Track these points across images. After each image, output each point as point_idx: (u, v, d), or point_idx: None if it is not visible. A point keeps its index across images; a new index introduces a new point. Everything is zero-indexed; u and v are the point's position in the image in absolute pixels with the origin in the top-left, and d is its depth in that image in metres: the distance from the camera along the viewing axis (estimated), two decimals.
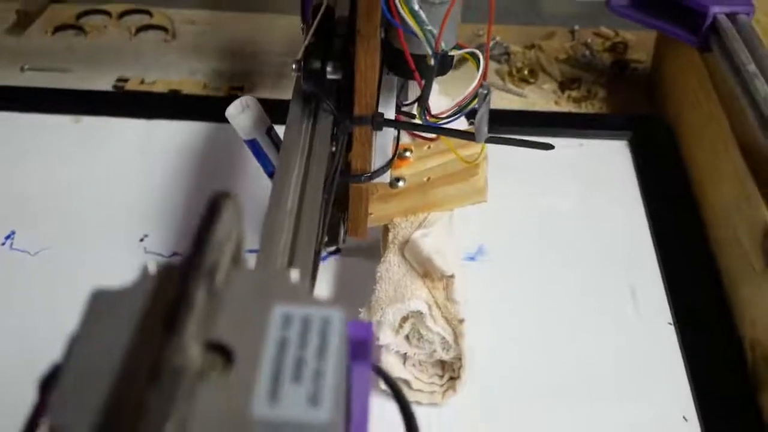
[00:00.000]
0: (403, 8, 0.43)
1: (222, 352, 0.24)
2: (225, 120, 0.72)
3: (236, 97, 0.77)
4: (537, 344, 0.55)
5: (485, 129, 0.47)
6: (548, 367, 0.54)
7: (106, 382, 0.23)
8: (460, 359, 0.49)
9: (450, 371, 0.50)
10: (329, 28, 0.49)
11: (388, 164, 0.53)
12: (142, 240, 0.62)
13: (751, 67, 0.58)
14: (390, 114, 0.51)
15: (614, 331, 0.56)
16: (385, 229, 0.56)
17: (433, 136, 0.56)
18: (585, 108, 0.78)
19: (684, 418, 0.51)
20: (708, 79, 0.65)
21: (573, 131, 0.73)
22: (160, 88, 0.79)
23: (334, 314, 0.25)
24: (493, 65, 0.83)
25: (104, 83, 0.79)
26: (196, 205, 0.65)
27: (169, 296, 0.24)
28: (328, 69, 0.48)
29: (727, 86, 0.61)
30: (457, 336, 0.49)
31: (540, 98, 0.79)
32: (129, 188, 0.67)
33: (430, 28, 0.44)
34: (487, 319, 0.54)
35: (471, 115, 0.47)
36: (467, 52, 0.47)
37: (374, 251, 0.57)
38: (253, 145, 0.53)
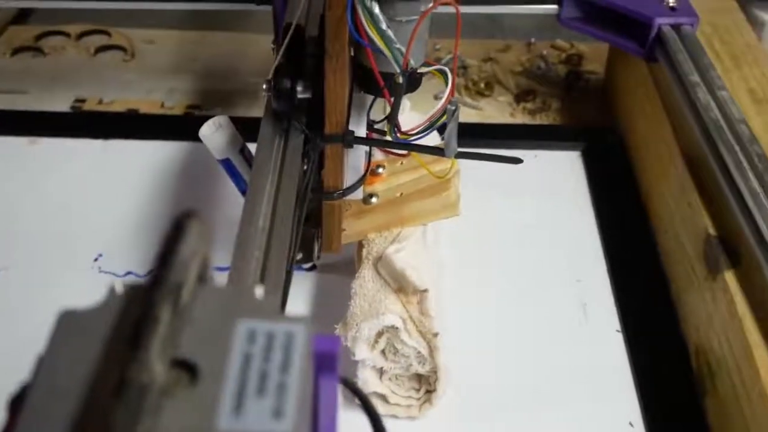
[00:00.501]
0: (370, 28, 0.44)
1: (187, 369, 0.24)
2: (182, 138, 0.74)
3: (193, 116, 0.79)
4: (489, 355, 0.56)
5: (455, 144, 0.47)
6: (500, 377, 0.54)
7: (73, 400, 0.23)
8: (435, 372, 0.50)
9: (426, 384, 0.51)
10: (299, 47, 0.49)
11: (360, 181, 0.54)
12: (96, 260, 0.63)
13: (694, 77, 0.59)
14: (361, 131, 0.51)
15: (564, 339, 0.57)
16: (359, 245, 0.56)
17: (404, 152, 0.56)
18: (540, 120, 0.78)
19: (630, 424, 0.52)
20: (654, 89, 0.66)
21: (528, 143, 0.74)
22: (117, 107, 0.79)
23: (297, 328, 0.26)
24: None
25: (62, 104, 0.79)
26: (151, 223, 0.66)
27: (133, 315, 0.24)
28: (299, 88, 0.48)
29: (672, 96, 0.62)
30: (432, 349, 0.49)
31: (496, 111, 0.80)
32: (84, 208, 0.67)
33: (398, 46, 0.44)
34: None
35: (441, 131, 0.48)
36: (435, 69, 0.47)
37: (349, 267, 0.58)
38: (226, 164, 0.54)
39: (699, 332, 0.54)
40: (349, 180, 0.53)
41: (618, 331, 0.58)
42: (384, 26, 0.44)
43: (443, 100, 0.47)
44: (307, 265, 0.61)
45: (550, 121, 0.78)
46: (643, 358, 0.56)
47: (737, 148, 0.53)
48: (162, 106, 0.80)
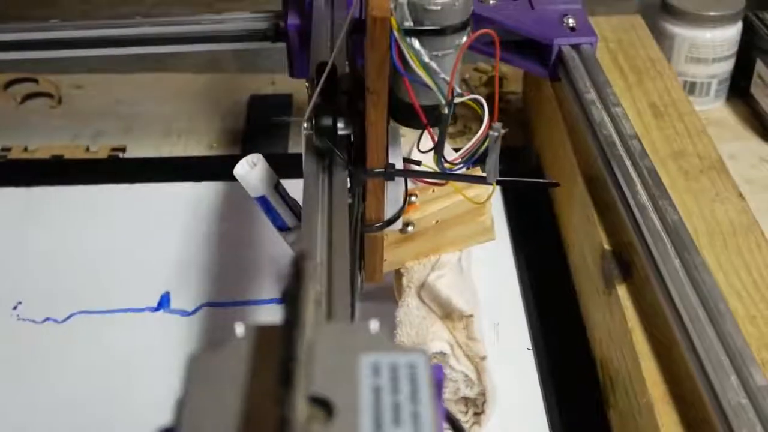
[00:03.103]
0: (414, 62, 0.45)
1: (321, 405, 0.25)
2: (106, 181, 0.75)
3: (117, 158, 0.80)
4: None
5: (496, 170, 0.48)
6: None
7: None
8: (483, 395, 0.51)
9: (473, 407, 0.53)
10: (333, 85, 0.50)
11: (401, 211, 0.54)
12: (15, 308, 0.63)
13: (590, 95, 0.61)
14: (399, 163, 0.52)
15: None
16: (397, 273, 0.57)
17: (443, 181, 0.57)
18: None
19: None
20: (558, 108, 0.67)
21: None
22: (42, 154, 0.80)
23: (418, 359, 0.27)
24: None
25: None
26: (71, 270, 0.66)
27: (278, 355, 0.25)
28: (339, 125, 0.49)
29: (573, 114, 0.63)
30: (479, 372, 0.51)
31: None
32: (4, 256, 0.68)
33: (443, 76, 0.45)
34: None
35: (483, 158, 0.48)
36: (469, 99, 0.48)
37: (384, 293, 0.59)
38: (262, 201, 0.53)
39: (602, 346, 0.55)
40: (388, 212, 0.54)
41: (529, 348, 0.59)
42: (426, 59, 0.45)
43: (483, 127, 0.48)
44: None
45: None
46: (552, 375, 0.57)
47: (628, 163, 0.55)
48: (87, 150, 0.81)
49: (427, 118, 0.47)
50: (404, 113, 0.48)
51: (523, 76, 0.82)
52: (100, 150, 0.81)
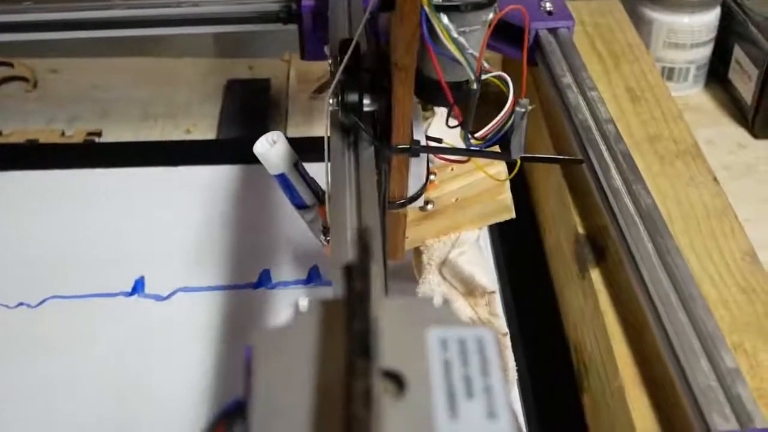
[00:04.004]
0: (445, 37, 0.44)
1: (393, 378, 0.25)
2: (78, 166, 0.74)
3: (93, 142, 0.79)
4: None
5: (522, 146, 0.48)
6: None
7: (300, 414, 0.24)
8: (505, 371, 0.51)
9: None
10: (356, 62, 0.50)
11: (423, 188, 0.54)
12: None
13: (566, 79, 0.60)
14: (421, 139, 0.52)
15: None
16: (417, 251, 0.57)
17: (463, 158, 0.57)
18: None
19: None
20: (535, 92, 0.67)
21: None
22: (16, 138, 0.79)
23: (486, 334, 0.27)
24: None
25: None
26: (46, 255, 0.66)
27: (351, 328, 0.25)
28: (365, 101, 0.48)
29: (549, 98, 0.63)
30: (501, 349, 0.50)
31: None
32: None
33: (471, 51, 0.45)
34: None
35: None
36: (493, 76, 0.48)
37: (402, 271, 0.59)
38: (282, 179, 0.53)
39: (576, 330, 0.55)
40: (411, 189, 0.53)
41: (505, 333, 0.58)
42: (455, 34, 0.45)
43: (508, 104, 0.48)
44: None
45: None
46: (528, 360, 0.57)
47: (603, 147, 0.55)
48: (62, 135, 0.80)
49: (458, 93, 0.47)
50: (429, 90, 0.48)
51: (502, 60, 0.82)
52: (75, 134, 0.80)
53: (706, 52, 0.82)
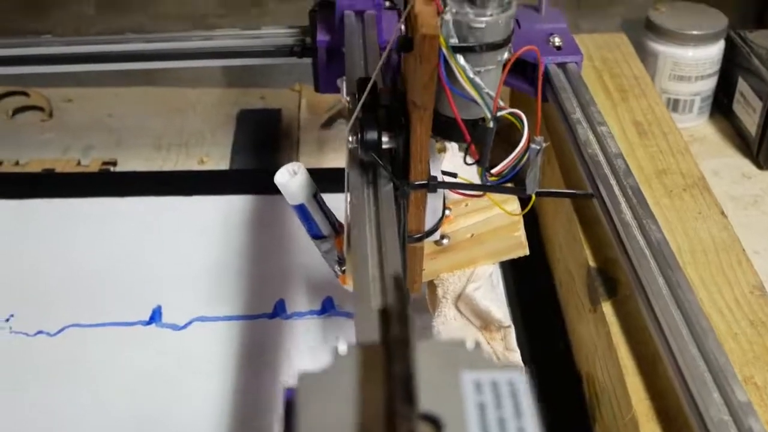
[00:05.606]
0: (462, 77, 0.46)
1: (430, 421, 0.26)
2: (95, 195, 0.76)
3: (108, 172, 0.81)
4: None
5: (537, 182, 0.49)
6: None
7: None
8: None
9: None
10: (373, 99, 0.51)
11: (439, 222, 0.55)
12: (8, 320, 0.64)
13: (576, 114, 0.62)
14: (438, 175, 0.53)
15: None
16: (431, 285, 0.58)
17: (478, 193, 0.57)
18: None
19: None
20: (544, 126, 0.69)
21: None
22: (33, 168, 0.80)
23: (517, 376, 0.28)
24: None
25: None
26: (64, 283, 0.67)
27: (392, 372, 0.26)
28: (384, 139, 0.49)
29: (559, 132, 0.64)
30: None
31: None
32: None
33: (487, 91, 0.46)
34: None
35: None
36: (508, 113, 0.49)
37: (414, 303, 0.59)
38: (300, 209, 0.54)
39: (588, 361, 0.56)
40: (428, 223, 0.54)
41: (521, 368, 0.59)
42: (471, 74, 0.46)
43: (523, 141, 0.49)
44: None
45: None
46: (539, 391, 0.57)
47: (613, 182, 0.56)
48: (78, 164, 0.81)
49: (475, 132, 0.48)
50: (445, 127, 0.49)
51: (510, 94, 0.83)
52: (91, 164, 0.81)
53: (710, 84, 0.84)
